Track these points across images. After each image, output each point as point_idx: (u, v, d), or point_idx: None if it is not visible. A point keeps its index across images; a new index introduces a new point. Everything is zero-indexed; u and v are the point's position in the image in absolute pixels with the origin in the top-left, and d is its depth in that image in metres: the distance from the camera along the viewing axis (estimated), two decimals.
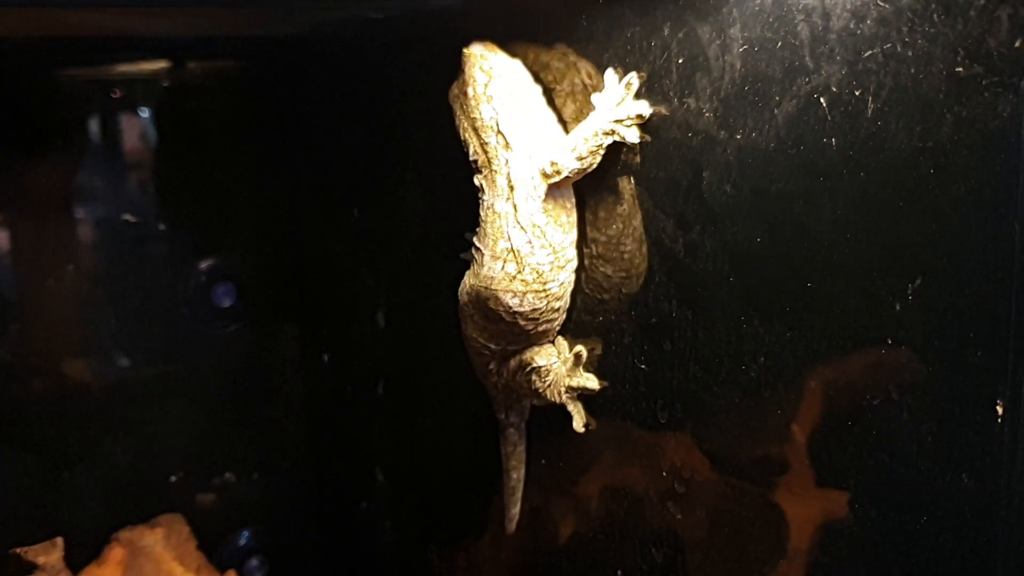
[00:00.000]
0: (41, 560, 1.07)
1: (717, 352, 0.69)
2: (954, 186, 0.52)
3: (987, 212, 0.51)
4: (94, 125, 1.19)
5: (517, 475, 0.93)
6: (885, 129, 0.55)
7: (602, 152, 0.74)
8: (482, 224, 0.79)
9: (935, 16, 0.52)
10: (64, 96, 1.18)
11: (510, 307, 0.78)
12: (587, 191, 0.79)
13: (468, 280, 0.81)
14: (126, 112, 1.21)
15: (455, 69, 0.80)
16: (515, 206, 0.76)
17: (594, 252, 0.80)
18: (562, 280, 0.78)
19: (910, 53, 0.53)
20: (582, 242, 0.80)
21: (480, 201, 0.80)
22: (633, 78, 0.72)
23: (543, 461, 0.92)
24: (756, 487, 0.69)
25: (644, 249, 0.75)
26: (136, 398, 1.25)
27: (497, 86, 0.77)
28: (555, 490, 0.92)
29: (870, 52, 0.55)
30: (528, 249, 0.76)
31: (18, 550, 1.07)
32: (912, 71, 0.53)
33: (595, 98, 0.74)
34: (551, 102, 0.80)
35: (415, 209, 1.10)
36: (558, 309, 0.80)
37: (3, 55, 1.10)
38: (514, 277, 0.77)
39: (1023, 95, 0.48)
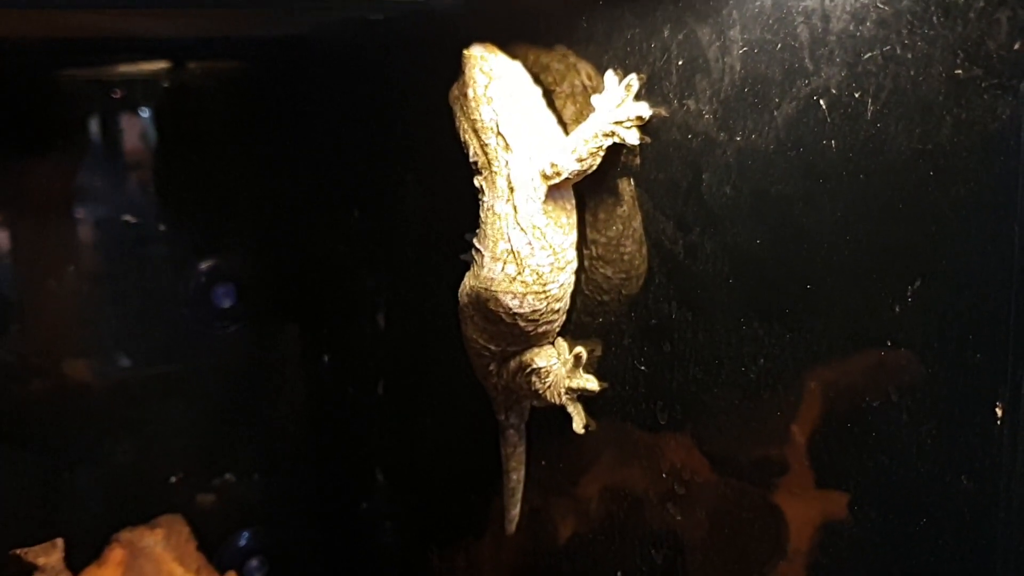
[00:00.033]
0: (41, 561, 1.07)
1: (717, 354, 0.69)
2: (953, 188, 0.52)
3: (987, 214, 0.51)
4: (95, 125, 1.19)
5: (517, 476, 0.93)
6: (885, 131, 0.55)
7: (602, 154, 0.74)
8: (482, 225, 0.79)
9: (934, 18, 0.52)
10: (65, 97, 1.18)
11: (510, 308, 0.78)
12: (587, 193, 0.79)
13: (468, 281, 0.81)
14: (127, 112, 1.21)
15: (455, 70, 0.80)
16: (515, 207, 0.76)
17: (594, 253, 0.80)
18: (562, 281, 0.78)
19: (910, 55, 0.53)
20: (582, 243, 0.80)
21: (480, 202, 0.80)
22: (633, 80, 0.72)
23: (543, 462, 0.93)
24: (756, 488, 0.69)
25: (644, 251, 0.75)
26: (136, 399, 1.25)
27: (497, 88, 0.77)
28: (555, 491, 0.92)
29: (870, 54, 0.55)
30: (528, 250, 0.76)
31: (18, 551, 1.07)
32: (912, 73, 0.53)
33: (595, 100, 0.74)
34: (551, 104, 0.80)
35: (415, 210, 1.10)
36: (558, 310, 0.80)
37: (4, 55, 1.10)
38: (514, 278, 0.77)
39: (1022, 97, 0.48)
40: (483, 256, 0.79)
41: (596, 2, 0.76)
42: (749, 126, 0.63)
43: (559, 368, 0.82)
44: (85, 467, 1.23)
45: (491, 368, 0.85)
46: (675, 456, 0.75)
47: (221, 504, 1.32)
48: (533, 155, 0.76)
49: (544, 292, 0.77)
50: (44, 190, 1.18)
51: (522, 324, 0.79)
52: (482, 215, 0.79)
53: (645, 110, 0.72)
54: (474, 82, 0.78)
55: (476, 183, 0.79)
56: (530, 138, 0.77)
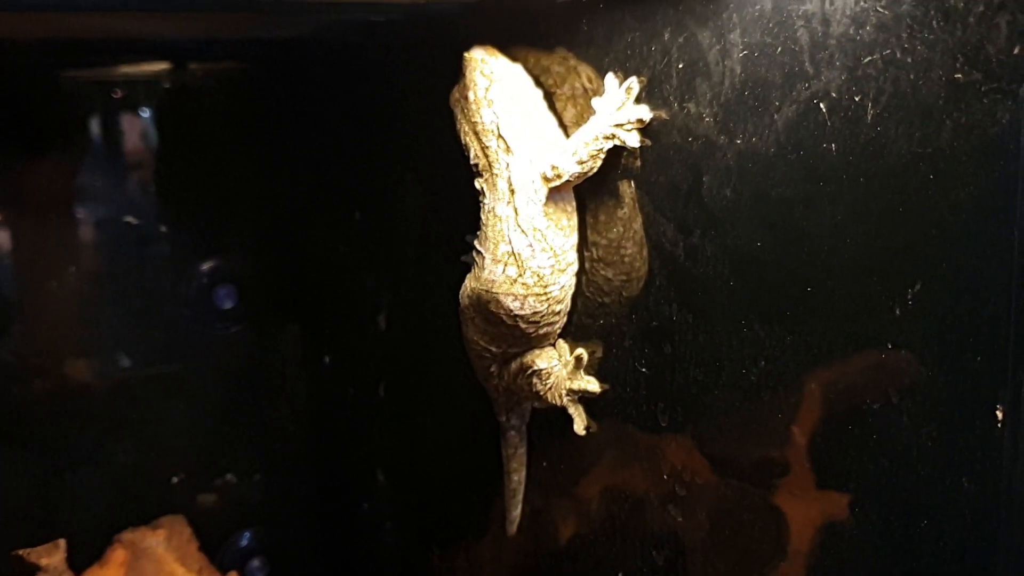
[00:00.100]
0: (44, 562, 1.07)
1: (718, 355, 0.69)
2: (953, 192, 0.52)
3: (986, 217, 0.51)
4: (96, 126, 1.20)
5: (518, 477, 0.93)
6: (885, 135, 0.55)
7: (602, 156, 0.74)
8: (483, 227, 0.79)
9: (934, 23, 0.52)
10: (66, 97, 1.18)
11: (511, 310, 0.78)
12: (588, 195, 0.79)
13: (469, 283, 0.81)
14: (128, 113, 1.21)
15: (456, 73, 0.80)
16: (516, 210, 0.77)
17: (595, 255, 0.80)
18: (563, 283, 0.78)
19: (909, 59, 0.53)
20: (583, 245, 0.80)
21: (481, 204, 0.80)
22: (633, 82, 0.72)
23: (544, 463, 0.93)
24: (757, 490, 0.69)
25: (644, 253, 0.75)
26: (138, 399, 1.26)
27: (498, 90, 0.78)
28: (556, 492, 0.92)
29: (870, 58, 0.55)
30: (529, 252, 0.76)
31: (21, 552, 1.08)
32: (911, 77, 0.53)
33: (595, 102, 0.74)
34: (552, 106, 0.80)
35: (416, 211, 1.10)
36: (559, 312, 0.80)
37: (6, 56, 1.11)
38: (515, 280, 0.77)
39: (1022, 102, 0.48)
40: (484, 258, 0.79)
41: (597, 5, 0.76)
42: (749, 129, 0.64)
43: (560, 370, 0.82)
44: (87, 468, 1.23)
45: (492, 370, 0.86)
46: (676, 457, 0.75)
47: (222, 505, 1.32)
48: (534, 157, 0.76)
49: (545, 294, 0.77)
50: (45, 190, 1.18)
51: (523, 326, 0.79)
52: (483, 217, 0.79)
53: (645, 113, 0.72)
54: (475, 85, 0.78)
55: (477, 185, 0.80)
56: (531, 140, 0.77)
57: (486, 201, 0.79)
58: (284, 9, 0.96)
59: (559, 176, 0.75)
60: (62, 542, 1.09)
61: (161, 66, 1.23)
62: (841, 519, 0.61)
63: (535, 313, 0.78)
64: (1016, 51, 0.48)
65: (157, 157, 1.24)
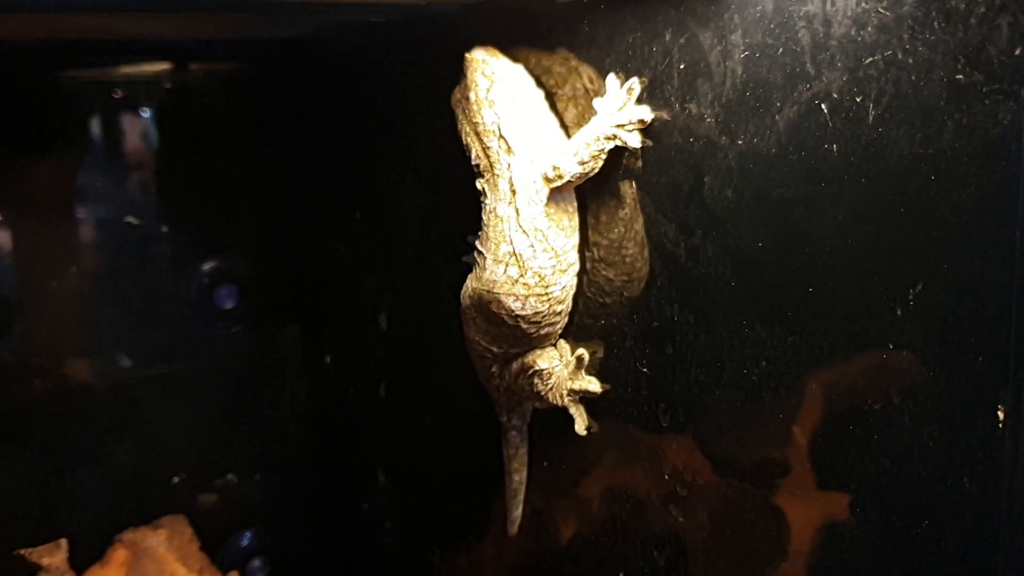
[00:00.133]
0: (45, 561, 1.07)
1: (719, 356, 0.69)
2: (955, 193, 0.52)
3: (988, 218, 0.51)
4: (97, 126, 1.20)
5: (519, 477, 0.93)
6: (886, 136, 0.55)
7: (604, 157, 0.74)
8: (484, 228, 0.79)
9: (936, 24, 0.52)
10: (67, 97, 1.18)
11: (512, 311, 0.78)
12: (589, 195, 0.79)
13: (470, 283, 0.81)
14: (129, 113, 1.21)
15: (457, 73, 0.80)
16: (517, 210, 0.77)
17: (596, 256, 0.80)
18: (564, 284, 0.78)
19: (911, 60, 0.53)
20: (584, 246, 0.80)
21: (482, 205, 0.80)
22: (635, 83, 0.72)
23: (545, 464, 0.93)
24: (758, 490, 0.69)
25: (646, 253, 0.75)
26: (139, 399, 1.26)
27: (499, 91, 0.78)
28: (557, 492, 0.92)
29: (871, 59, 0.55)
30: (530, 253, 0.76)
31: (22, 551, 1.08)
32: (913, 78, 0.53)
33: (597, 103, 0.74)
34: (553, 107, 0.80)
35: (417, 211, 1.10)
36: (560, 312, 0.80)
37: (6, 56, 1.11)
38: (516, 281, 0.77)
39: (1023, 103, 0.48)
40: (485, 258, 0.79)
41: (598, 6, 0.76)
42: (751, 130, 0.64)
43: (561, 370, 0.82)
44: (88, 468, 1.23)
45: (493, 370, 0.86)
46: (677, 458, 0.76)
47: (223, 504, 1.32)
48: (535, 158, 0.77)
49: (546, 294, 0.77)
50: (46, 191, 1.19)
51: (524, 326, 0.79)
52: (484, 217, 0.79)
53: (647, 113, 0.72)
54: (476, 85, 0.78)
55: (478, 186, 0.80)
56: (532, 141, 0.77)
57: (487, 202, 0.79)
58: (284, 9, 0.96)
59: (560, 176, 0.75)
60: (64, 542, 1.09)
61: (161, 66, 1.23)
62: (842, 519, 0.62)
63: (536, 313, 0.78)
64: (1017, 52, 0.48)
65: (158, 157, 1.24)
